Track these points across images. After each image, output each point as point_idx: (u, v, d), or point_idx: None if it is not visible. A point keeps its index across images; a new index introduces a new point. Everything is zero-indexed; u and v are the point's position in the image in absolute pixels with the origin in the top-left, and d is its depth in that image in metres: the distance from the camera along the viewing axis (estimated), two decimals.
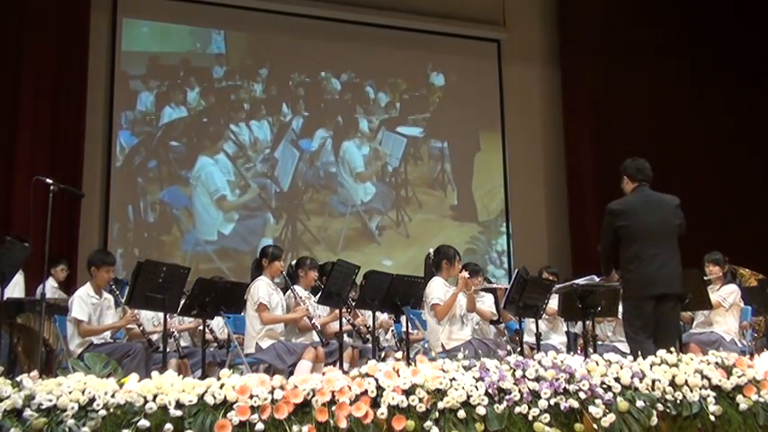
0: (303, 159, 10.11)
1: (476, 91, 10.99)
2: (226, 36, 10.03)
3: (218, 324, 6.22)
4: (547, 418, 3.14)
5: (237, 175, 9.79)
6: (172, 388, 2.92)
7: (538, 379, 3.25)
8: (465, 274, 5.97)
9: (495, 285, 6.94)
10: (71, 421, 2.79)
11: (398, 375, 3.13)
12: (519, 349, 5.88)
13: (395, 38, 10.65)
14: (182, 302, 5.28)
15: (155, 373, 3.04)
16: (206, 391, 2.93)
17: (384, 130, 10.59)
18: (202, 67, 9.89)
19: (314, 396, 3.00)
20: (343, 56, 10.40)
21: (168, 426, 2.82)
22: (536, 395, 3.20)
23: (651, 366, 3.51)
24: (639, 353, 3.93)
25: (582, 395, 3.24)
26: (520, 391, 3.18)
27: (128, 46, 9.55)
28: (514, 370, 3.27)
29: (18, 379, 2.94)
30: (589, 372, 3.35)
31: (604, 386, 3.32)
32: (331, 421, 2.95)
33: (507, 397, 3.15)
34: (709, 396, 3.41)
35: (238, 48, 10.10)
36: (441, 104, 10.87)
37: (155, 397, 2.89)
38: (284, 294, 5.94)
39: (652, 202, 4.93)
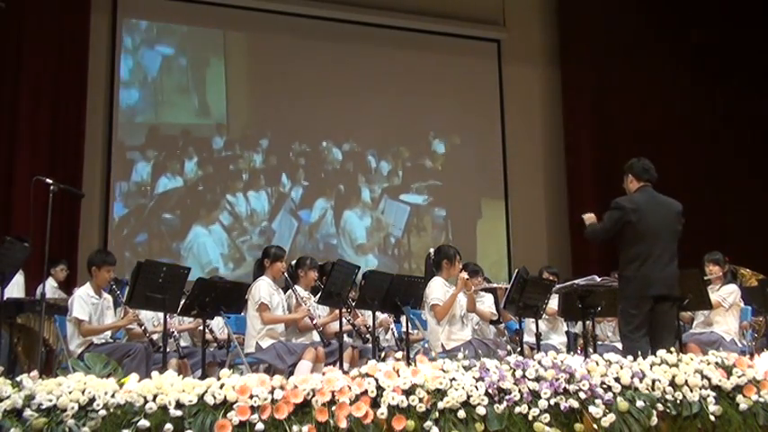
0: (302, 231, 9.86)
1: (475, 93, 10.98)
2: (225, 36, 9.99)
3: (218, 324, 6.22)
4: (547, 418, 3.14)
5: (232, 247, 9.53)
6: (172, 388, 2.92)
7: (538, 379, 3.25)
8: (464, 274, 5.98)
9: (495, 285, 6.93)
10: (71, 421, 2.79)
11: (398, 375, 3.13)
12: (519, 349, 5.87)
13: (395, 38, 10.64)
14: (182, 302, 5.28)
15: (155, 373, 3.04)
16: (206, 391, 2.93)
17: (386, 199, 10.37)
18: (202, 138, 9.68)
19: (314, 396, 3.00)
20: (343, 61, 10.28)
21: (168, 426, 2.82)
22: (536, 395, 3.20)
23: (651, 366, 3.51)
24: (634, 352, 3.92)
25: (582, 395, 3.24)
26: (520, 391, 3.18)
27: (125, 117, 9.38)
28: (514, 370, 3.27)
29: (18, 379, 2.94)
30: (589, 372, 3.35)
31: (604, 386, 3.32)
32: (331, 421, 2.95)
33: (507, 397, 3.15)
34: (709, 396, 3.41)
35: (239, 115, 9.90)
36: (444, 172, 10.68)
37: (155, 397, 2.89)
38: (285, 294, 5.95)
39: (658, 204, 4.95)
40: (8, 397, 2.82)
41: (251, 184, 9.81)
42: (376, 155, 10.44)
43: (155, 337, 5.59)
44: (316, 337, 5.72)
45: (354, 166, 10.34)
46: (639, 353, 3.78)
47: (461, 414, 3.07)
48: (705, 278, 6.34)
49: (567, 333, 6.91)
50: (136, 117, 9.47)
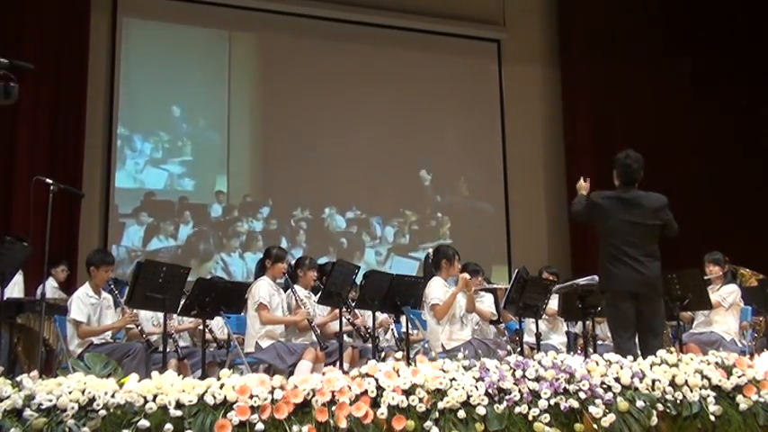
0: None
1: (475, 93, 10.99)
2: (230, 37, 9.94)
3: (218, 324, 6.22)
4: (547, 418, 3.14)
5: None
6: (172, 388, 2.92)
7: (538, 379, 3.25)
8: (466, 275, 5.98)
9: (495, 286, 6.94)
10: (71, 421, 2.79)
11: (398, 375, 3.13)
12: (519, 349, 5.88)
13: (394, 38, 10.64)
14: (182, 302, 5.28)
15: (155, 373, 3.04)
16: (206, 391, 2.93)
17: (394, 256, 10.17)
18: (200, 204, 9.50)
19: (314, 396, 3.00)
20: (341, 61, 10.23)
21: (168, 426, 2.82)
22: (536, 395, 3.19)
23: (651, 366, 3.51)
24: (622, 353, 3.89)
25: (582, 395, 3.24)
26: (520, 391, 3.18)
27: (122, 182, 9.23)
28: (514, 370, 3.27)
29: (18, 379, 2.94)
30: (589, 372, 3.35)
31: (604, 386, 3.31)
32: (331, 421, 2.95)
33: (507, 397, 3.15)
34: (709, 396, 3.41)
35: (241, 182, 9.74)
36: (451, 235, 10.53)
37: (155, 397, 2.88)
38: (285, 294, 5.95)
39: (631, 202, 4.90)
40: (8, 397, 2.82)
41: (248, 246, 9.57)
42: (381, 222, 10.25)
43: (153, 338, 5.60)
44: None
45: (359, 229, 10.14)
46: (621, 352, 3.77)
47: (461, 414, 3.06)
48: (705, 278, 6.34)
49: (567, 333, 6.91)
50: (132, 182, 9.32)
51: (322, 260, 9.60)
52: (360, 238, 10.13)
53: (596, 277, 5.54)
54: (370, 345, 5.77)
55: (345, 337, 5.93)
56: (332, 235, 10.03)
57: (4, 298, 5.17)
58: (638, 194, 4.96)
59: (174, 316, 5.72)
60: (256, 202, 9.80)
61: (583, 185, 5.29)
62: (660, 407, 3.31)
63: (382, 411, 3.01)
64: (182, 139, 9.61)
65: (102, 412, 2.82)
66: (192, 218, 9.46)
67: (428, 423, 3.03)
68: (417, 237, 10.43)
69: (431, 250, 6.49)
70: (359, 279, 6.01)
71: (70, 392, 2.85)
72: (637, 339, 4.84)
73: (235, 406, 2.90)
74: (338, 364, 5.24)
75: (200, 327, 5.54)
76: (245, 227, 9.65)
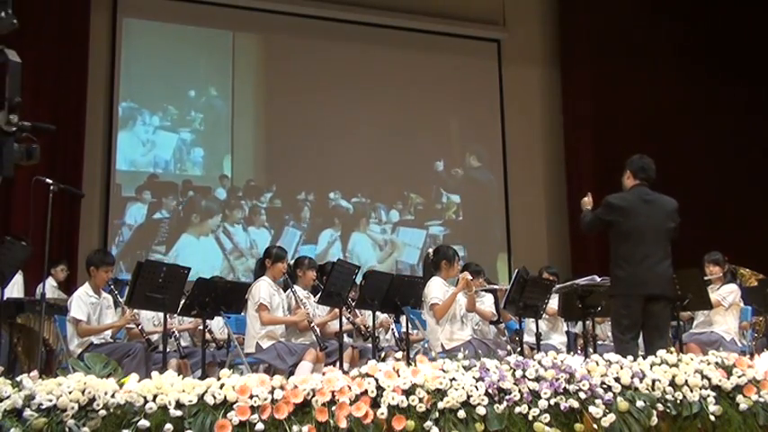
0: None
1: (475, 93, 10.98)
2: (234, 37, 9.95)
3: (218, 324, 6.22)
4: (547, 418, 3.14)
5: (225, 266, 9.19)
6: (172, 388, 2.92)
7: (538, 379, 3.25)
8: (467, 275, 5.98)
9: (496, 287, 6.94)
10: (71, 421, 2.78)
11: (398, 375, 3.13)
12: (519, 349, 5.88)
13: (394, 38, 10.64)
14: (182, 302, 5.28)
15: (155, 373, 3.04)
16: (206, 391, 2.93)
17: (400, 228, 10.21)
18: (204, 187, 9.53)
19: (314, 396, 3.00)
20: (342, 61, 10.25)
21: (168, 426, 2.82)
22: (536, 395, 3.19)
23: (651, 366, 3.51)
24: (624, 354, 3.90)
25: (582, 395, 3.24)
26: (520, 391, 3.18)
27: (122, 165, 9.22)
28: (514, 370, 3.27)
29: (18, 379, 2.94)
30: (589, 372, 3.35)
31: (604, 386, 3.32)
32: (331, 421, 2.95)
33: (507, 397, 3.15)
34: (709, 396, 3.41)
35: (245, 166, 9.77)
36: (457, 218, 10.58)
37: (155, 397, 2.88)
38: (284, 293, 5.95)
39: (650, 203, 4.93)
40: (8, 397, 2.81)
41: (252, 221, 9.61)
42: (385, 207, 10.27)
43: (154, 337, 5.60)
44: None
45: (364, 212, 10.17)
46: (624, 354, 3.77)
47: (461, 414, 3.06)
48: (705, 278, 6.34)
49: (567, 333, 6.91)
50: (135, 166, 9.34)
51: (326, 233, 9.82)
52: (366, 210, 10.18)
53: (596, 277, 5.55)
54: (370, 345, 5.77)
55: (345, 337, 5.93)
56: (336, 210, 10.05)
57: (4, 298, 5.17)
58: (655, 196, 4.99)
59: (175, 316, 5.72)
60: (260, 186, 9.84)
61: (586, 201, 5.27)
62: (660, 407, 3.32)
63: (382, 411, 3.01)
64: (186, 126, 9.65)
65: (102, 412, 2.82)
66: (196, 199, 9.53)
67: (428, 423, 3.03)
68: (423, 214, 10.46)
69: (431, 250, 6.48)
70: (359, 279, 6.01)
71: (70, 392, 2.85)
72: (640, 339, 4.85)
73: (235, 406, 2.90)
74: (338, 364, 5.24)
75: (200, 327, 5.54)
76: (249, 205, 9.71)
